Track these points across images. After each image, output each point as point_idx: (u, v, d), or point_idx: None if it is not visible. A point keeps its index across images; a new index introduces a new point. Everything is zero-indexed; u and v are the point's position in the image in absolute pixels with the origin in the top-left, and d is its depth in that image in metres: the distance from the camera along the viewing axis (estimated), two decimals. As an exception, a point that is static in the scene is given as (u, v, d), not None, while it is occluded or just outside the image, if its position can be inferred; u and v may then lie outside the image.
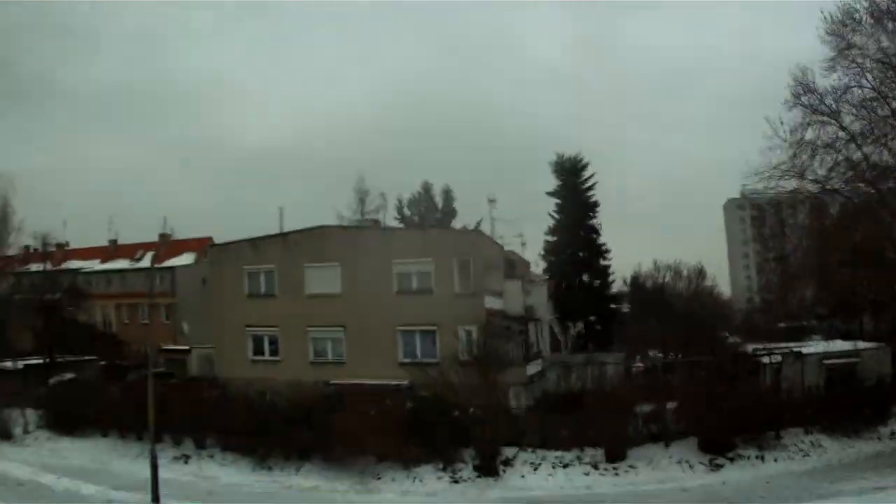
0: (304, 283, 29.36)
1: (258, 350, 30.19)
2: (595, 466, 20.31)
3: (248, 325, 30.10)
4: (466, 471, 20.44)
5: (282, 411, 23.14)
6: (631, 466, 20.23)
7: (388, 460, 20.82)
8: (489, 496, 19.08)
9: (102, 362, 34.69)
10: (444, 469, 20.76)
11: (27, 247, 42.18)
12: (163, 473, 19.57)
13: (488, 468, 20.38)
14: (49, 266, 42.37)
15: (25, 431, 26.55)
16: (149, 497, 16.46)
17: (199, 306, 33.72)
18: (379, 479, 20.51)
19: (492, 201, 38.94)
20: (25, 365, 33.91)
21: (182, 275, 42.80)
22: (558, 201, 43.21)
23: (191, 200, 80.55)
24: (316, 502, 19.03)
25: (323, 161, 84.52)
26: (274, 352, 29.85)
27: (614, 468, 20.20)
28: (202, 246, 39.44)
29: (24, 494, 11.42)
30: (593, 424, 20.70)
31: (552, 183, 44.99)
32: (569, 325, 44.43)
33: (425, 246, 28.65)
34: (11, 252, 38.85)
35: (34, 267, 41.29)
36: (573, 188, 44.81)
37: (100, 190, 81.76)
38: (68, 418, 26.22)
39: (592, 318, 43.97)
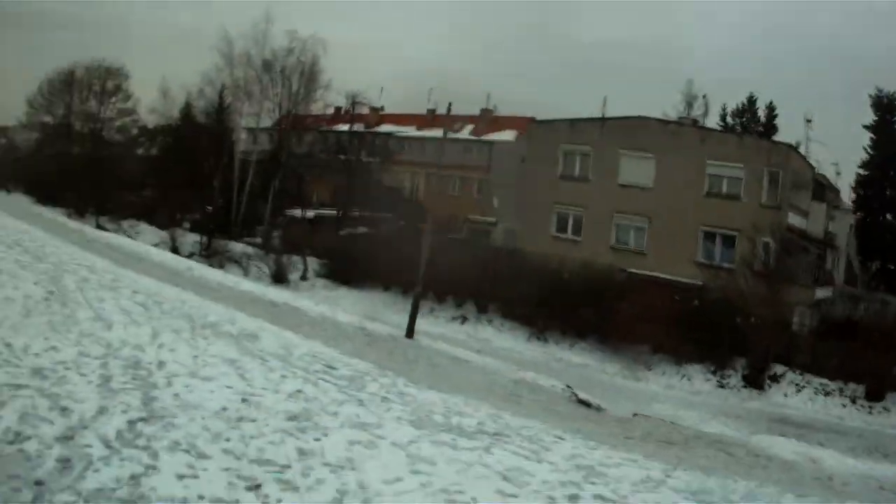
0: (617, 171, 31.24)
1: (561, 228, 32.56)
2: (853, 401, 21.52)
3: (557, 203, 32.42)
4: (734, 378, 22.03)
5: (571, 288, 24.36)
6: (885, 409, 21.17)
7: (662, 353, 22.44)
8: (749, 406, 20.38)
9: (401, 223, 35.50)
10: (713, 372, 22.43)
11: (339, 108, 45.63)
12: (438, 328, 21.84)
13: (755, 380, 21.98)
14: (359, 127, 46.42)
15: (303, 278, 28.93)
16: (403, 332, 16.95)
17: (513, 183, 35.15)
18: (650, 369, 22.23)
19: (808, 121, 40.17)
20: (317, 215, 37.74)
21: (499, 150, 44.30)
22: (874, 136, 43.68)
23: (515, 83, 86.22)
24: (583, 378, 19.32)
25: (650, 64, 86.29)
26: (576, 231, 32.09)
27: (869, 406, 21.47)
28: (523, 126, 40.26)
29: (278, 313, 12.53)
30: (861, 360, 21.35)
31: (870, 116, 45.21)
32: (868, 263, 45.07)
33: (739, 152, 29.64)
34: (319, 110, 42.66)
35: (343, 127, 44.13)
36: (891, 126, 44.81)
37: (421, 63, 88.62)
38: (350, 269, 28.36)
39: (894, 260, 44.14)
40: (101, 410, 6.08)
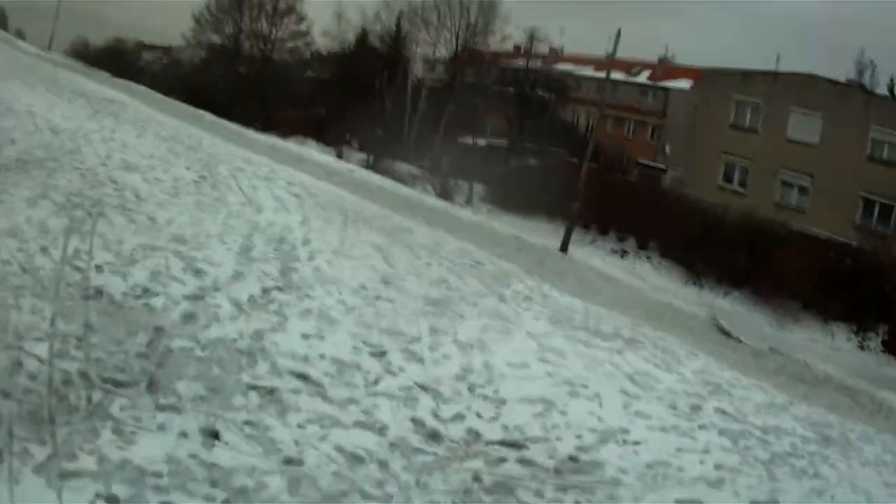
0: (785, 125, 31.94)
1: (727, 178, 33.72)
2: None
3: (725, 152, 33.49)
4: (874, 342, 22.20)
5: (732, 236, 25.10)
6: None
7: (810, 308, 22.93)
8: (884, 372, 20.22)
9: (572, 159, 36.88)
10: (855, 333, 22.75)
11: (518, 47, 47.59)
12: (595, 259, 22.91)
13: (894, 347, 22.12)
14: (538, 64, 46.85)
15: (468, 202, 29.69)
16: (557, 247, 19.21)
17: (685, 131, 36.77)
18: (795, 322, 22.71)
19: None
20: (488, 144, 38.65)
21: (675, 98, 45.22)
22: None
23: (694, 39, 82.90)
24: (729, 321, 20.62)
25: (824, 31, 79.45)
26: (742, 183, 33.18)
27: None
28: (697, 76, 41.34)
29: (435, 216, 12.80)
30: None
31: None
32: None
33: (906, 119, 29.60)
34: (496, 44, 42.80)
35: (520, 63, 46.05)
36: None
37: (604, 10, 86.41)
38: (516, 198, 29.28)
39: None
40: (237, 276, 6.55)
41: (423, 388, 4.89)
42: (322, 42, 49.11)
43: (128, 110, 15.33)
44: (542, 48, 48.16)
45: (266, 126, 35.82)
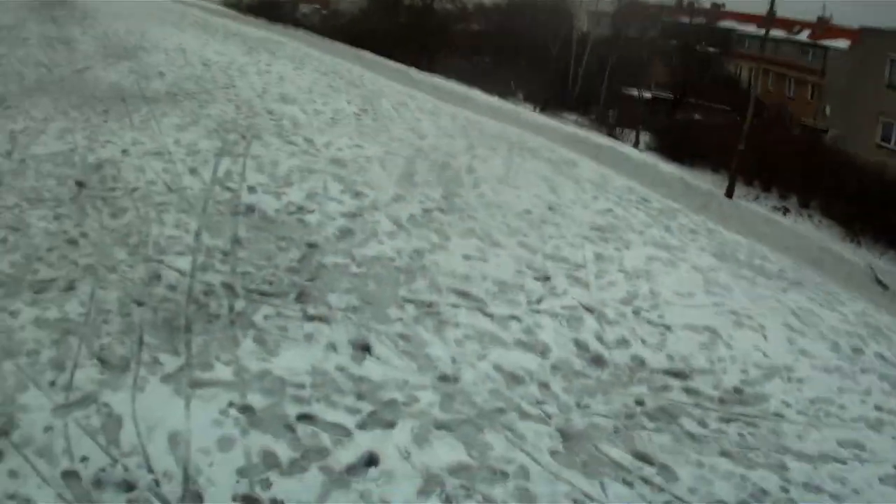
0: None
1: (885, 138, 33.94)
2: None
3: (882, 112, 33.68)
4: None
5: (891, 197, 24.99)
6: None
7: None
8: None
9: (735, 115, 37.14)
10: None
11: (679, 1, 49.42)
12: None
13: None
14: (701, 20, 48.79)
15: (633, 147, 31.40)
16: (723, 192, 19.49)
17: (843, 91, 37.87)
18: None
19: None
20: (654, 97, 40.50)
21: (834, 58, 45.30)
22: None
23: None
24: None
25: None
26: None
27: None
28: (856, 36, 41.63)
29: (600, 153, 12.50)
30: None
31: None
32: None
33: None
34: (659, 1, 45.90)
35: (684, 19, 47.75)
36: None
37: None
38: (682, 148, 31.12)
39: None
40: (397, 198, 6.65)
41: (588, 309, 4.98)
42: None
43: (285, 47, 15.78)
44: (705, 1, 50.70)
45: (429, 69, 36.29)
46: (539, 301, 4.96)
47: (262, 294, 4.54)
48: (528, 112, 19.72)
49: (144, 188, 6.10)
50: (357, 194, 6.56)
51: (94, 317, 4.06)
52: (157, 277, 4.57)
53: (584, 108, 40.46)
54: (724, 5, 53.68)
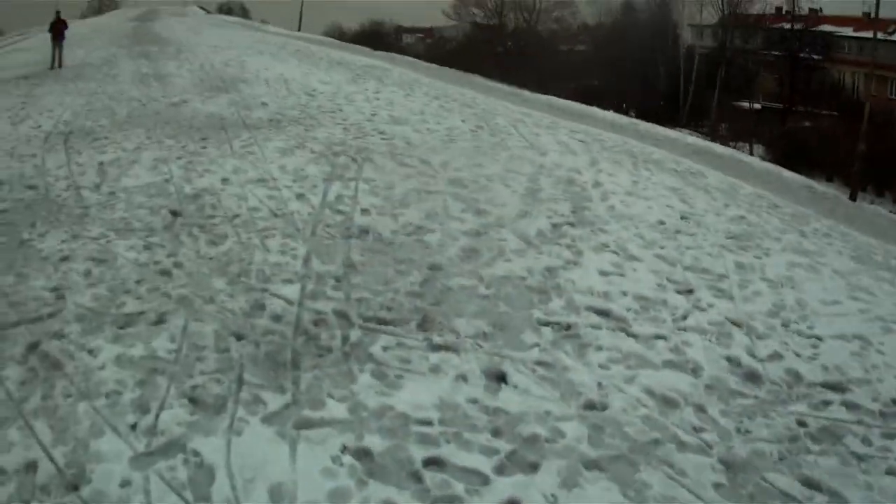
0: None
1: None
2: None
3: None
4: None
5: None
6: None
7: None
8: None
9: (843, 120, 37.26)
10: None
11: (779, 9, 48.50)
12: None
13: None
14: (800, 26, 48.62)
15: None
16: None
17: None
18: None
19: None
20: (763, 107, 41.77)
21: None
22: None
23: None
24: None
25: None
26: None
27: None
28: None
29: (722, 162, 12.14)
30: None
31: None
32: None
33: None
34: (760, 10, 45.73)
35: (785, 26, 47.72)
36: None
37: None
38: (796, 159, 30.60)
39: None
40: (523, 214, 6.43)
41: (735, 323, 4.87)
42: (586, 10, 52.40)
43: (391, 74, 15.86)
44: (804, 3, 49.92)
45: (539, 91, 37.12)
46: (684, 317, 4.82)
47: (381, 322, 4.19)
48: (646, 124, 19.37)
49: (246, 215, 5.88)
50: (479, 212, 6.30)
51: (186, 353, 3.76)
52: (260, 307, 4.26)
53: (694, 122, 41.99)
54: (821, 10, 53.47)
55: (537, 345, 4.18)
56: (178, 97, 11.28)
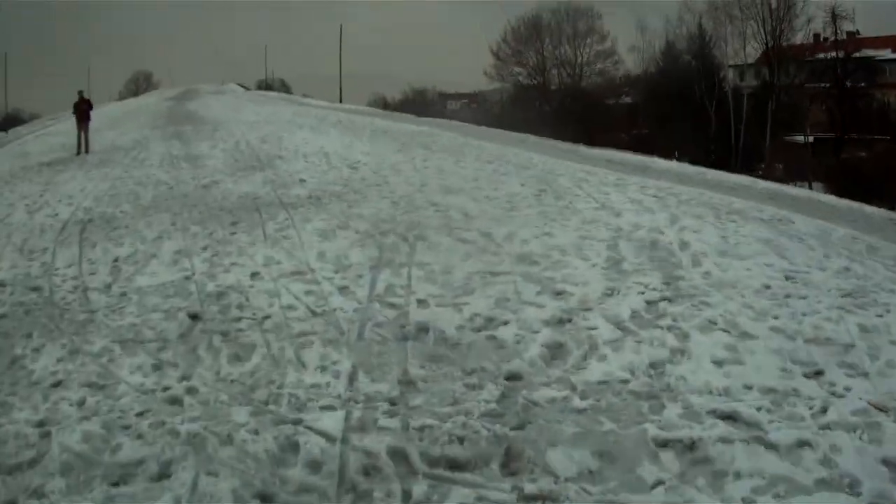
0: None
1: None
2: None
3: None
4: None
5: None
6: None
7: None
8: None
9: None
10: None
11: (816, 35, 48.58)
12: None
13: None
14: (840, 53, 48.58)
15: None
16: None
17: None
18: None
19: None
20: (815, 139, 42.29)
21: None
22: None
23: None
24: None
25: None
26: None
27: None
28: None
29: (800, 204, 11.46)
30: None
31: None
32: None
33: None
34: (803, 30, 46.33)
35: (823, 55, 47.51)
36: None
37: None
38: (854, 192, 29.43)
39: None
40: (610, 291, 5.74)
41: (880, 408, 4.16)
42: (630, 59, 54.34)
43: (440, 139, 15.42)
44: (847, 26, 49.60)
45: (591, 145, 38.18)
46: (824, 410, 4.11)
47: (452, 465, 3.28)
48: (714, 172, 18.92)
49: (279, 315, 5.07)
50: (558, 294, 5.53)
51: (196, 524, 2.86)
52: (292, 449, 3.37)
53: (748, 164, 41.75)
54: (857, 32, 53.02)
55: (661, 482, 3.30)
56: (209, 178, 10.78)
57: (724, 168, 40.73)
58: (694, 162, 42.56)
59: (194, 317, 5.13)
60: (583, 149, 20.12)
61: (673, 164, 19.32)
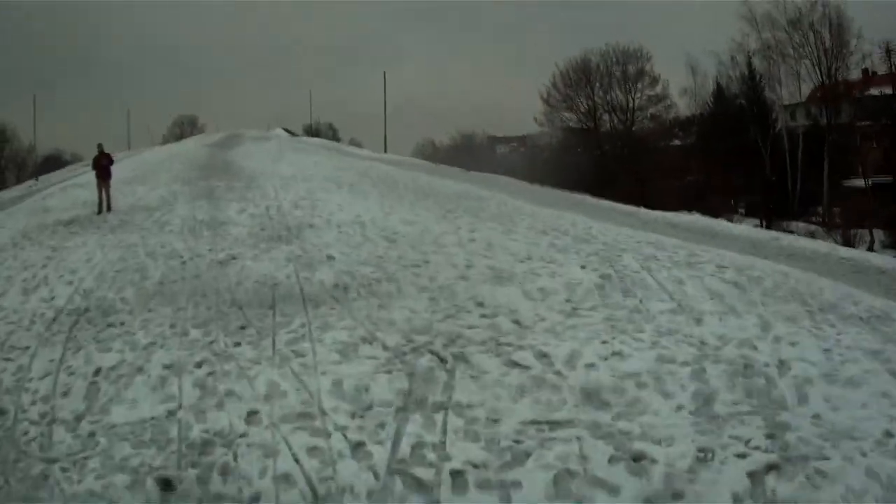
0: None
1: None
2: None
3: None
4: None
5: None
6: None
7: None
8: None
9: None
10: None
11: (865, 70, 47.39)
12: None
13: None
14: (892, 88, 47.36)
15: (869, 250, 29.13)
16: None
17: None
18: None
19: None
20: (874, 183, 40.42)
21: None
22: None
23: None
24: None
25: None
26: None
27: None
28: None
29: (890, 282, 11.14)
30: None
31: None
32: None
33: None
34: (856, 66, 45.39)
35: (877, 91, 46.02)
36: None
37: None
38: None
39: None
40: (703, 455, 4.57)
41: None
42: (682, 102, 51.96)
43: (488, 204, 14.49)
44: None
45: (645, 202, 37.86)
46: None
47: None
48: (787, 237, 17.60)
49: (270, 491, 3.96)
50: (636, 462, 4.40)
51: None
52: None
53: (806, 210, 41.97)
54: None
55: None
56: (228, 251, 9.92)
57: (783, 215, 40.04)
58: (751, 208, 41.53)
59: (166, 485, 4.05)
60: (642, 211, 19.22)
61: (742, 230, 18.68)
